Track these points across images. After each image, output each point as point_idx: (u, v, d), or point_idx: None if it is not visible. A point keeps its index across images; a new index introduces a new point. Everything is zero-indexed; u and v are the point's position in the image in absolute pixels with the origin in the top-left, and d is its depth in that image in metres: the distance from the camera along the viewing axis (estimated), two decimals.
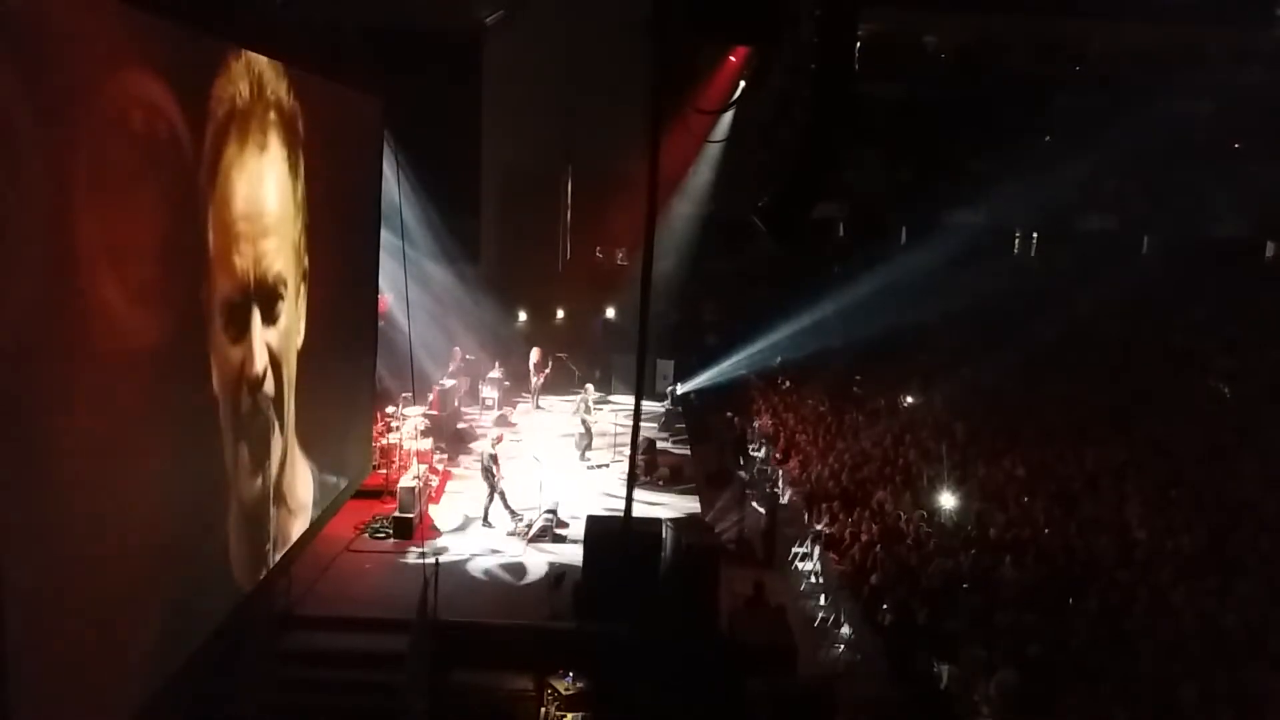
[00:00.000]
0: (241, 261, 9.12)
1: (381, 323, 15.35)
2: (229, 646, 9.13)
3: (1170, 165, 25.17)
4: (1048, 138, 27.22)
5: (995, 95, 25.48)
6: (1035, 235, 30.01)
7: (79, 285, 6.43)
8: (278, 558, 10.49)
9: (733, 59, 21.44)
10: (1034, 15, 25.87)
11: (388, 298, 16.19)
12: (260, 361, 9.63)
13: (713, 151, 23.78)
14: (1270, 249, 29.10)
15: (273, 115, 9.69)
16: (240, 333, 9.17)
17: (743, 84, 20.19)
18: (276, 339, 10.03)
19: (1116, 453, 16.97)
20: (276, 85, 9.71)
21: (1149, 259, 28.58)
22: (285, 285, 10.28)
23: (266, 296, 9.77)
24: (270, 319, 9.85)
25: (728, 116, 20.98)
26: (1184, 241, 26.72)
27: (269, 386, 9.91)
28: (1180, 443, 17.79)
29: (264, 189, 9.61)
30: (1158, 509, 14.18)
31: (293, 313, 10.53)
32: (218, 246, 8.58)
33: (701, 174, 24.33)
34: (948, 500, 14.02)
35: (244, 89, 8.94)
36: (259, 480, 9.88)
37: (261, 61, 9.28)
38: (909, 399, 20.40)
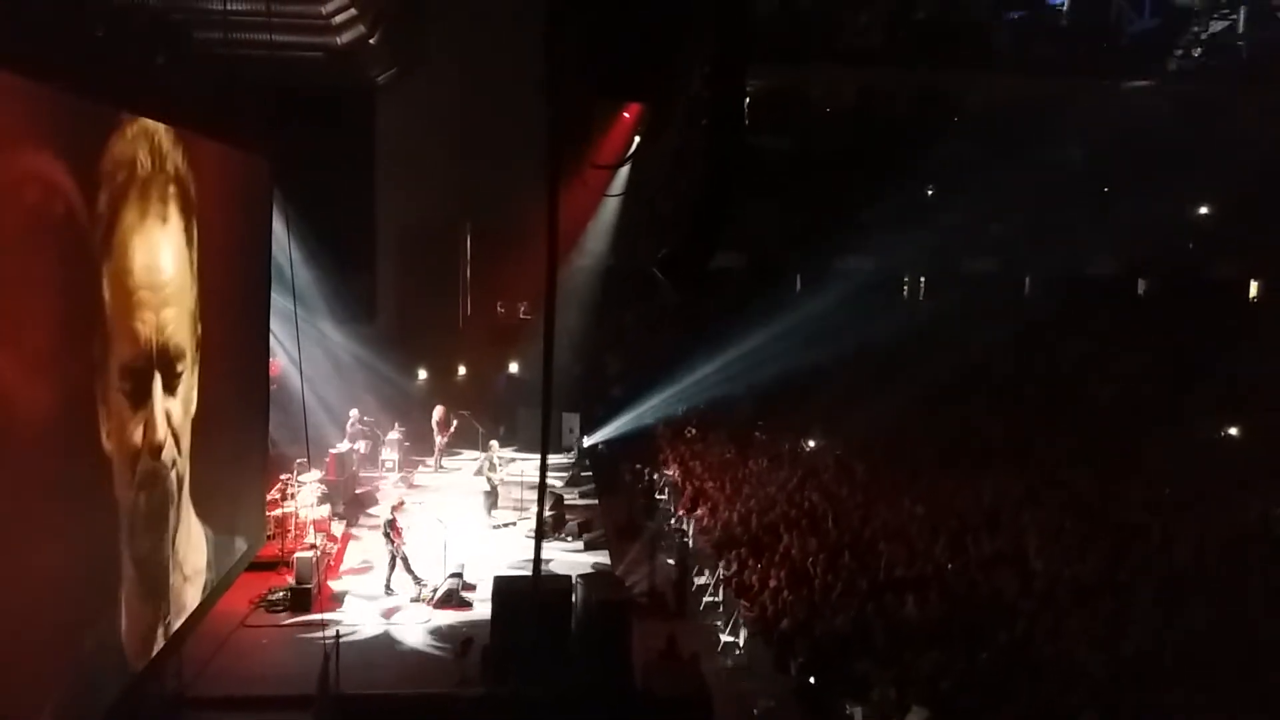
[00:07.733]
0: (142, 330, 8.89)
1: (274, 386, 14.93)
2: None
3: (1046, 208, 26.43)
4: (931, 185, 28.28)
5: (880, 145, 26.39)
6: (923, 279, 31.02)
7: None
8: (171, 634, 10.00)
9: (627, 115, 21.74)
10: (912, 69, 27.07)
11: (279, 361, 15.77)
12: (159, 432, 9.29)
13: (611, 205, 23.98)
14: (1141, 285, 30.71)
15: (165, 180, 9.45)
16: (139, 403, 8.88)
17: (638, 139, 20.47)
18: (175, 409, 9.69)
19: (1013, 486, 17.47)
20: (167, 149, 9.47)
21: (1031, 297, 29.84)
22: (184, 353, 9.97)
23: (166, 364, 9.50)
24: (170, 388, 9.54)
25: (624, 171, 21.19)
26: (1062, 280, 28.05)
27: (167, 458, 9.53)
28: (1071, 472, 18.44)
29: (161, 255, 9.38)
30: (1053, 539, 14.62)
31: (189, 380, 10.19)
32: (117, 315, 8.31)
33: (600, 227, 24.51)
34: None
35: (135, 154, 8.71)
36: (154, 555, 9.45)
37: (152, 125, 9.07)
38: (811, 442, 20.69)
